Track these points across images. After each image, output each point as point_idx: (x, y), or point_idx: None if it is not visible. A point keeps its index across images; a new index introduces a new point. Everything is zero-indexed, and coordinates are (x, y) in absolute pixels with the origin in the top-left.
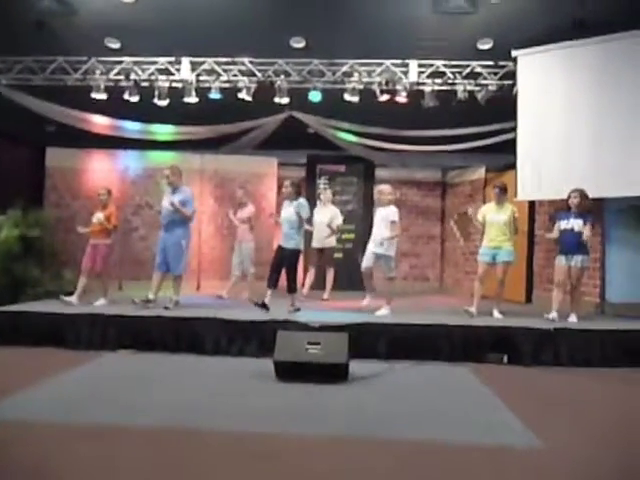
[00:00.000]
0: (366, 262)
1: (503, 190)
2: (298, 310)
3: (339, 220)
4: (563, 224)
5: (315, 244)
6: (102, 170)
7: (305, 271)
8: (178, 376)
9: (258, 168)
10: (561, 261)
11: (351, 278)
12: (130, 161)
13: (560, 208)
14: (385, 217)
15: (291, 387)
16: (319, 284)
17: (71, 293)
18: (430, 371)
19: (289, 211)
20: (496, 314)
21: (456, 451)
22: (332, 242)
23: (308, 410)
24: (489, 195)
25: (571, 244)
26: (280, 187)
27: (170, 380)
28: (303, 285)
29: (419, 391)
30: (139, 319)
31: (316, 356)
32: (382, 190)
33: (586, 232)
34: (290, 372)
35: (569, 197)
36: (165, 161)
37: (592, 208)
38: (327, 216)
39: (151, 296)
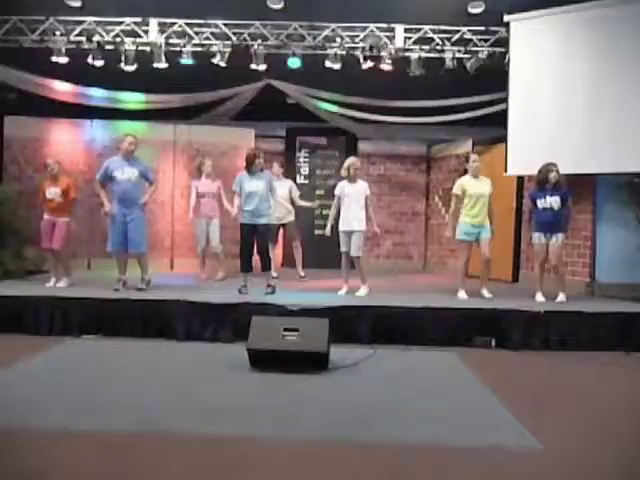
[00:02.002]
0: (347, 246)
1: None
2: (274, 291)
3: (297, 192)
4: (540, 203)
5: (275, 221)
6: (66, 141)
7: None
8: (144, 366)
9: (234, 140)
10: (540, 239)
11: (332, 256)
12: (97, 131)
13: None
14: (360, 192)
15: (266, 378)
16: (288, 261)
17: (32, 272)
18: (415, 358)
19: (258, 185)
20: (486, 294)
21: (444, 454)
22: (292, 217)
23: (284, 407)
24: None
25: (549, 223)
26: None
27: (134, 371)
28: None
29: (403, 383)
30: (105, 302)
31: (294, 344)
32: (355, 164)
33: (567, 211)
34: (266, 361)
35: (544, 172)
36: (135, 130)
37: (565, 183)
38: (285, 190)
39: (124, 277)
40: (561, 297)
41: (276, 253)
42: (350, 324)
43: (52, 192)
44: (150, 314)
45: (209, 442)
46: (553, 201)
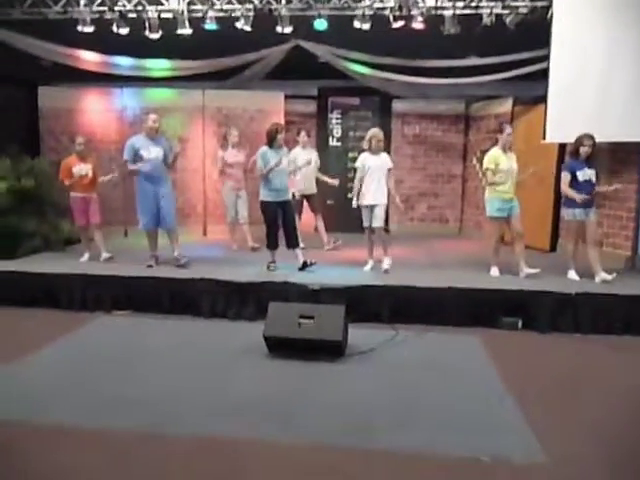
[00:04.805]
0: (370, 220)
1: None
2: (312, 264)
3: (318, 163)
4: (581, 175)
5: (301, 191)
6: (99, 110)
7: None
8: (163, 352)
9: (264, 104)
10: (579, 215)
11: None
12: (127, 100)
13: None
14: (382, 165)
15: (280, 367)
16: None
17: (70, 242)
18: (434, 343)
19: (283, 161)
20: (530, 270)
21: (447, 466)
22: (315, 189)
23: (292, 404)
24: (517, 130)
25: (589, 196)
26: (287, 123)
27: (152, 357)
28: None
29: (417, 377)
30: (135, 280)
31: (309, 331)
32: (377, 135)
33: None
34: (282, 347)
35: (580, 143)
36: (165, 98)
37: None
38: (312, 160)
39: (156, 253)
40: (604, 275)
41: (302, 223)
42: (371, 303)
43: (84, 169)
44: (177, 292)
45: (209, 445)
46: (591, 174)
